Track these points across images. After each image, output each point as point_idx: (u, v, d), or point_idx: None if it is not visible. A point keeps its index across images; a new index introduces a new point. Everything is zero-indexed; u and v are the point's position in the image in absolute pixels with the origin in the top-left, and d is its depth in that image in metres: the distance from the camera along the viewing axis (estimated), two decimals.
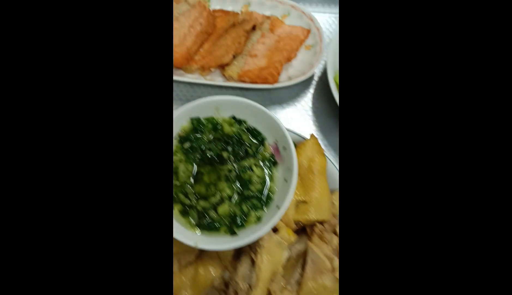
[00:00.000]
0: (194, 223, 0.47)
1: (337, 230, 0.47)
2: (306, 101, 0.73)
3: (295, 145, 0.52)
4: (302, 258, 0.46)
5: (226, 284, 0.45)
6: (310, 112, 0.72)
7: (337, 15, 0.79)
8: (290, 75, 0.71)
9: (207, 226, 0.47)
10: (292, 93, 0.74)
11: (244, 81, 0.68)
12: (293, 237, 0.46)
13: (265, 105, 0.55)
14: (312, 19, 0.75)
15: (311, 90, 0.74)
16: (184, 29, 0.71)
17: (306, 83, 0.74)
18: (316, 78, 0.75)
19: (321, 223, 0.48)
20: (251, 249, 0.46)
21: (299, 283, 0.44)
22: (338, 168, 0.56)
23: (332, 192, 0.53)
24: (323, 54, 0.70)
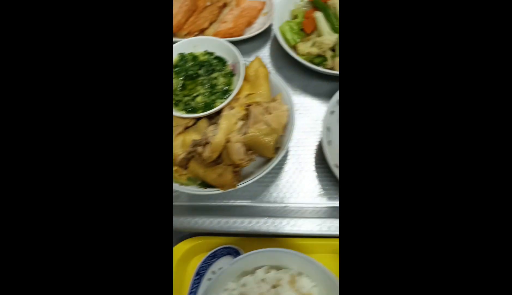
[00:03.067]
0: (181, 108, 0.75)
1: (271, 105, 0.73)
2: (265, 51, 1.01)
3: None
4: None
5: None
6: (268, 59, 1.00)
7: None
8: (251, 33, 1.00)
9: (189, 109, 0.75)
10: (255, 47, 1.02)
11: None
12: (242, 111, 0.73)
13: None
14: None
15: (269, 44, 1.02)
16: (176, 9, 1.02)
17: (265, 40, 1.03)
18: (272, 37, 1.03)
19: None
20: (217, 121, 0.74)
21: (246, 132, 0.70)
22: (280, 80, 0.82)
23: (274, 95, 0.80)
24: (273, 16, 0.98)
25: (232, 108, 0.74)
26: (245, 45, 1.02)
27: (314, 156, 0.80)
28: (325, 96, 0.89)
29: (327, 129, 0.74)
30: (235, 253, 0.67)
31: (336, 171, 0.67)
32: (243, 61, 0.79)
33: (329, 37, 0.84)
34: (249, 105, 0.75)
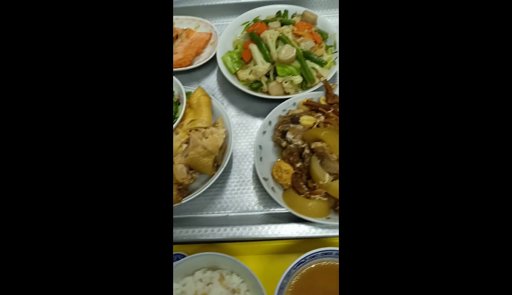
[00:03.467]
0: None
1: (207, 131, 0.85)
2: (213, 77, 1.14)
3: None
4: None
5: None
6: (215, 84, 1.12)
7: (229, 23, 1.20)
8: (200, 62, 1.12)
9: None
10: (203, 74, 1.14)
11: None
12: (186, 135, 0.85)
13: (187, 81, 0.95)
14: (212, 27, 1.18)
15: (216, 71, 1.15)
16: None
17: (212, 67, 1.15)
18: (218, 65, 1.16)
19: (204, 128, 0.87)
20: None
21: (187, 155, 0.82)
22: (220, 106, 0.95)
23: (216, 118, 0.92)
24: (217, 46, 1.11)
25: (177, 133, 0.86)
26: (195, 72, 1.14)
27: (252, 170, 0.92)
28: (264, 116, 1.01)
29: (259, 147, 0.87)
30: (182, 258, 0.78)
31: (264, 183, 0.80)
32: (184, 92, 0.91)
33: (262, 66, 0.98)
34: (191, 130, 0.87)
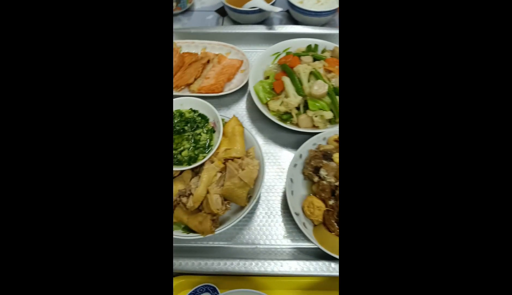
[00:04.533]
0: None
1: (244, 162, 0.87)
2: (243, 104, 1.16)
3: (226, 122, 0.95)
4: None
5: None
6: (245, 111, 1.15)
7: (260, 51, 1.24)
8: (231, 88, 1.15)
9: (176, 162, 0.88)
10: (233, 100, 1.17)
11: (201, 93, 1.11)
12: (221, 164, 0.87)
13: (216, 107, 0.98)
14: (243, 54, 1.21)
15: (245, 98, 1.17)
16: None
17: (242, 94, 1.18)
18: (248, 92, 1.19)
19: (238, 158, 0.89)
20: (199, 173, 0.86)
21: (223, 184, 0.83)
22: (252, 135, 0.97)
23: (248, 148, 0.94)
24: (249, 74, 1.14)
25: (212, 161, 0.88)
26: (226, 98, 1.17)
27: (280, 201, 0.94)
28: (292, 147, 1.04)
29: (290, 180, 0.88)
30: (212, 290, 0.78)
31: (296, 218, 0.81)
32: (221, 121, 0.94)
33: (294, 99, 1.00)
34: (226, 159, 0.88)
